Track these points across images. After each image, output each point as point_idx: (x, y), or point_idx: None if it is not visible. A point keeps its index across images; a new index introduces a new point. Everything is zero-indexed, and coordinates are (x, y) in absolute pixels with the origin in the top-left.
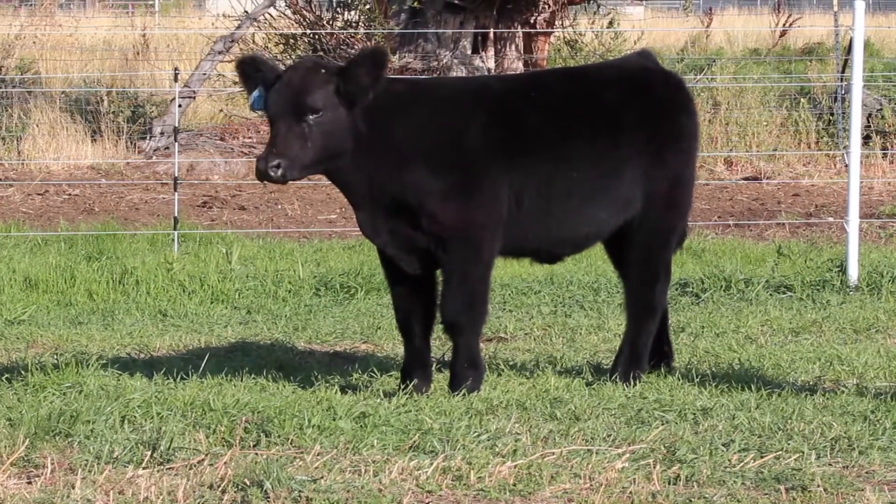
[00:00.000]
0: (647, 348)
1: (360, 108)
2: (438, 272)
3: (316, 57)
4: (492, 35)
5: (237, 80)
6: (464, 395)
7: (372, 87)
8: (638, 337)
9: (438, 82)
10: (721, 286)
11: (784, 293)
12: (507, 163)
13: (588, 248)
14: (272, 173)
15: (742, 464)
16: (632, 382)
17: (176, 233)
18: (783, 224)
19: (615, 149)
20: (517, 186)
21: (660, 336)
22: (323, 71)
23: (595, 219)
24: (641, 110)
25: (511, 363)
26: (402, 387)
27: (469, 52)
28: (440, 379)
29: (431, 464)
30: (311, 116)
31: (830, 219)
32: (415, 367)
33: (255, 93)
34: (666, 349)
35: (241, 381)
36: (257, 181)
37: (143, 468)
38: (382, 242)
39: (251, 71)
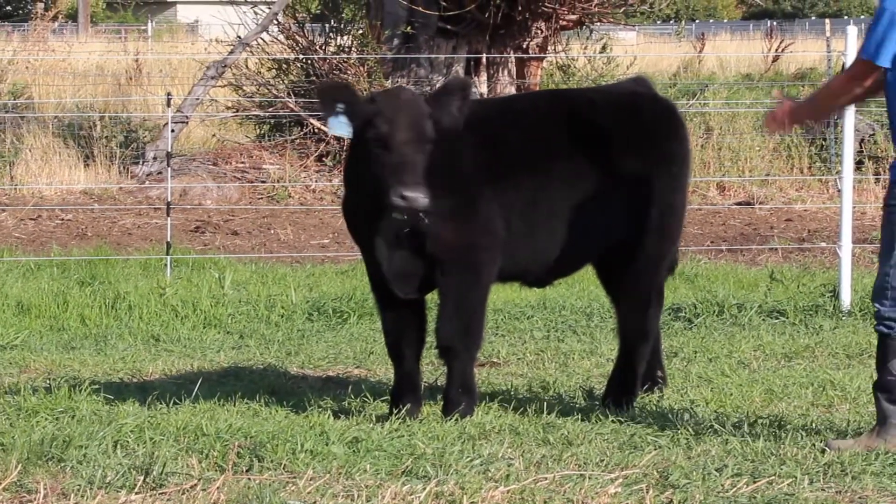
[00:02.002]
0: (639, 375)
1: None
2: (428, 296)
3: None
4: (484, 60)
5: (229, 105)
6: (457, 419)
7: (460, 118)
8: (630, 363)
9: None
10: (714, 311)
11: (777, 318)
12: (496, 185)
13: (575, 273)
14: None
15: (735, 489)
16: (624, 409)
17: (169, 258)
18: (776, 249)
19: (602, 173)
20: (506, 209)
21: (653, 361)
22: (425, 102)
23: (581, 243)
24: (630, 135)
25: (504, 388)
26: (394, 411)
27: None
28: (432, 403)
29: (424, 489)
30: (426, 146)
31: (823, 244)
32: (405, 392)
33: (337, 118)
34: (659, 374)
35: (234, 405)
36: (251, 206)
37: (136, 493)
38: (386, 271)
39: (334, 97)
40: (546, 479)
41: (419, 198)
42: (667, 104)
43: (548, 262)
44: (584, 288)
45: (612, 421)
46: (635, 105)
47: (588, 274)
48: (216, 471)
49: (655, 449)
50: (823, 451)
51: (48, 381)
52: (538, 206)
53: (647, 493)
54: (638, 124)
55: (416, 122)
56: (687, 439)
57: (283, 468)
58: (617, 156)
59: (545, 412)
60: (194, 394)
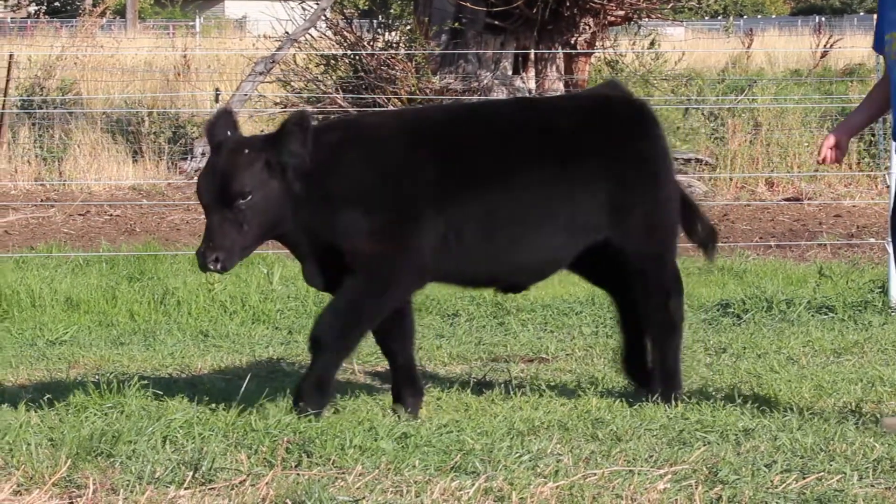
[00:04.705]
0: (678, 364)
1: (292, 170)
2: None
3: (238, 135)
4: (532, 56)
5: (277, 100)
6: (299, 410)
7: (304, 153)
8: (666, 357)
9: (376, 121)
10: (762, 307)
11: (826, 314)
12: (444, 197)
13: (551, 275)
14: (212, 267)
15: (784, 485)
16: (673, 402)
17: None
18: (825, 245)
19: (568, 175)
20: (459, 219)
21: (409, 380)
22: (247, 150)
23: (550, 245)
24: (599, 137)
25: (552, 384)
26: (394, 408)
27: (509, 72)
28: (482, 401)
29: (473, 484)
30: (241, 201)
31: (872, 240)
32: (404, 386)
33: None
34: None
35: (283, 401)
36: None
37: (185, 489)
38: (323, 290)
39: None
40: (595, 475)
41: (217, 264)
42: (638, 105)
43: (516, 268)
44: None
45: (661, 417)
46: (604, 107)
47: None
48: (265, 466)
49: (704, 445)
50: (873, 448)
51: (97, 377)
52: (498, 211)
53: (696, 489)
54: (606, 126)
55: (218, 182)
56: (736, 435)
57: (332, 464)
58: (584, 157)
59: (594, 408)
60: (243, 389)
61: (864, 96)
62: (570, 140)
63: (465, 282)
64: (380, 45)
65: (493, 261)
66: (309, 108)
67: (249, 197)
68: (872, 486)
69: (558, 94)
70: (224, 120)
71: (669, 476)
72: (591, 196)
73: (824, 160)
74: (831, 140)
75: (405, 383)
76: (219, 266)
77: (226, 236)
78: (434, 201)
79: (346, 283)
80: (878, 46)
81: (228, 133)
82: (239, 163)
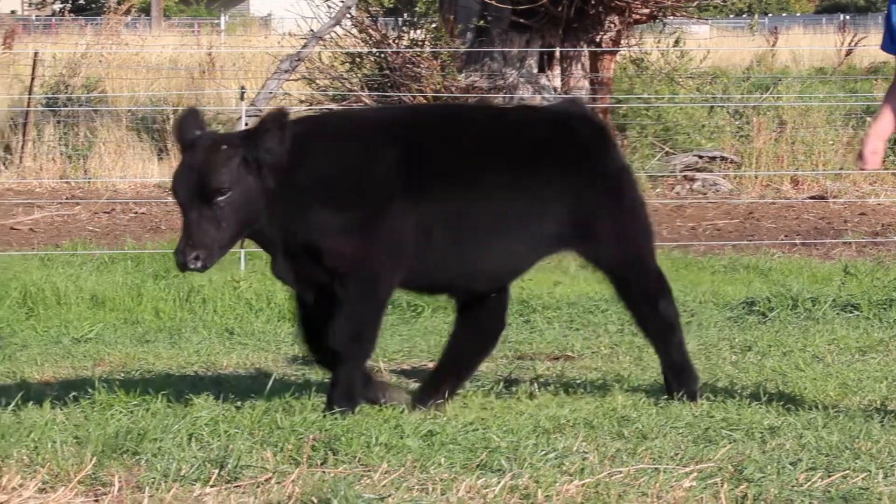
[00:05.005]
0: (687, 359)
1: (266, 166)
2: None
3: (213, 132)
4: (557, 54)
5: (303, 98)
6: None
7: (281, 150)
8: (671, 357)
9: (346, 117)
10: (788, 305)
11: (851, 312)
12: (414, 197)
13: (509, 283)
14: (192, 265)
15: (810, 483)
16: (697, 398)
17: (242, 251)
18: (850, 243)
19: (528, 186)
20: (426, 221)
21: (454, 380)
22: (224, 146)
23: (509, 254)
24: (560, 151)
25: (578, 382)
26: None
27: (535, 70)
28: (507, 398)
29: (499, 482)
30: (219, 198)
31: None
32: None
33: None
34: (447, 394)
35: (309, 399)
36: None
37: (211, 486)
38: (292, 283)
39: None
40: (620, 472)
41: (197, 262)
42: (597, 123)
43: (474, 275)
44: None
45: (687, 415)
46: (565, 122)
47: (664, 268)
48: (291, 464)
49: (730, 443)
50: None
51: (122, 374)
52: (460, 218)
53: (722, 487)
54: (567, 140)
55: (195, 179)
56: (761, 433)
57: (358, 461)
58: (545, 171)
59: (620, 406)
60: (269, 387)
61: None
62: (531, 152)
63: (421, 288)
64: (405, 42)
65: (452, 267)
66: (333, 107)
67: (228, 194)
68: None
69: (524, 104)
70: (192, 119)
71: (695, 474)
72: (550, 208)
73: (866, 165)
74: (875, 146)
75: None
76: (199, 264)
77: (205, 234)
78: (407, 197)
79: (340, 292)
80: (889, 47)
81: (197, 132)
82: (217, 160)
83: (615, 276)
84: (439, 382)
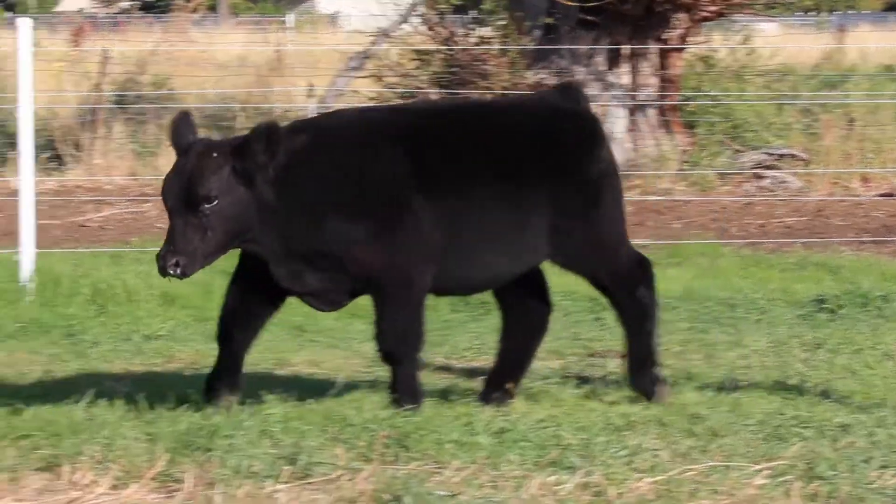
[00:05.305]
0: (650, 354)
1: (263, 178)
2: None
3: (206, 138)
4: (625, 51)
5: (371, 96)
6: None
7: (269, 163)
8: (638, 346)
9: (339, 125)
10: (858, 302)
11: None
12: (423, 195)
13: (503, 282)
14: (171, 272)
15: (882, 480)
16: (650, 390)
17: None
18: None
19: (516, 190)
20: (434, 221)
21: (514, 371)
22: (215, 154)
23: (498, 257)
24: (547, 152)
25: None
26: (206, 398)
27: (603, 68)
28: (578, 396)
29: (570, 479)
30: (206, 206)
31: None
32: (223, 376)
33: None
34: (510, 386)
35: (380, 395)
36: None
37: (283, 483)
38: (302, 287)
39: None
40: (692, 470)
41: (177, 268)
42: (588, 119)
43: (461, 281)
44: (727, 279)
45: (758, 412)
46: (554, 120)
47: (733, 265)
48: (362, 461)
49: (801, 441)
50: None
51: (193, 371)
52: (452, 224)
53: (793, 484)
54: (555, 140)
55: (183, 185)
56: (833, 431)
57: (430, 458)
58: (532, 172)
59: (690, 403)
60: (340, 384)
61: None
62: (521, 155)
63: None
64: (473, 40)
65: (443, 271)
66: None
67: (215, 202)
68: None
69: (513, 98)
70: (186, 123)
71: (767, 472)
72: (539, 210)
73: None
74: None
75: (224, 376)
76: (178, 271)
77: (188, 241)
78: (414, 196)
79: (377, 299)
80: None
81: (191, 136)
82: (206, 167)
83: (587, 276)
84: (501, 378)
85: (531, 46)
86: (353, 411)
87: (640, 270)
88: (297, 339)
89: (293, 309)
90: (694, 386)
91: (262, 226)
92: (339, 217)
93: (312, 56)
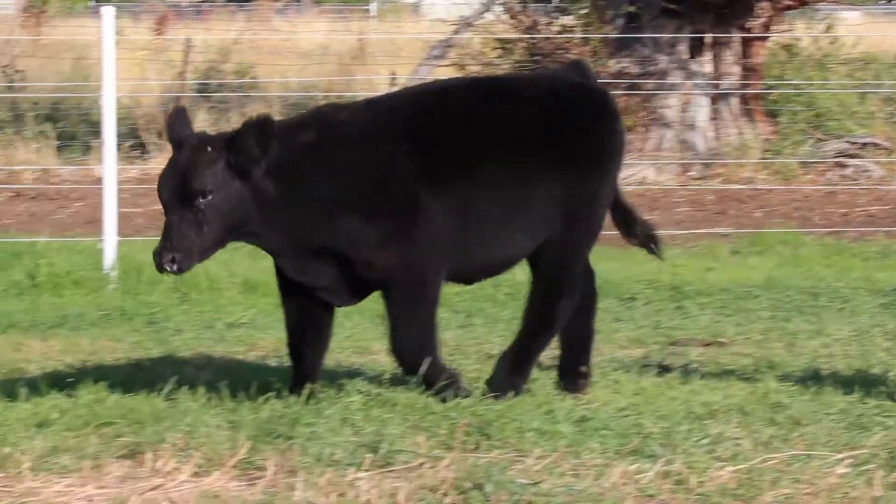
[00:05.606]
0: (534, 360)
1: (262, 172)
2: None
3: (201, 133)
4: (708, 40)
5: None
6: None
7: (262, 156)
8: (528, 345)
9: (346, 119)
10: None
11: None
12: (432, 188)
13: (505, 272)
14: (168, 268)
15: None
16: (506, 393)
17: None
18: None
19: (531, 168)
20: (448, 210)
21: (581, 355)
22: (209, 148)
23: (511, 240)
24: (561, 128)
25: (730, 368)
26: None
27: (685, 56)
28: (660, 384)
29: (652, 468)
30: (201, 201)
31: None
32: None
33: None
34: (583, 370)
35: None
36: None
37: (364, 471)
38: (312, 281)
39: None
40: (774, 459)
41: (173, 265)
42: (601, 95)
43: (479, 266)
44: (810, 268)
45: (840, 401)
46: (567, 97)
47: (815, 254)
48: (444, 449)
49: (884, 430)
50: None
51: (275, 359)
52: (462, 206)
53: (875, 473)
54: (568, 117)
55: (178, 180)
56: None
57: (511, 447)
58: (546, 150)
59: (772, 392)
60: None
61: None
62: (534, 132)
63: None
64: (555, 28)
65: (462, 258)
66: None
67: (210, 196)
68: None
69: (523, 75)
70: (181, 118)
71: (849, 461)
72: (550, 188)
73: None
74: None
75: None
76: (175, 267)
77: (184, 237)
78: (423, 191)
79: (390, 299)
80: None
81: (187, 130)
82: (201, 161)
83: (546, 260)
84: (571, 363)
85: (613, 35)
86: (434, 399)
87: (571, 291)
88: (378, 326)
89: (376, 297)
90: (775, 374)
91: (262, 220)
92: (345, 212)
93: (395, 45)
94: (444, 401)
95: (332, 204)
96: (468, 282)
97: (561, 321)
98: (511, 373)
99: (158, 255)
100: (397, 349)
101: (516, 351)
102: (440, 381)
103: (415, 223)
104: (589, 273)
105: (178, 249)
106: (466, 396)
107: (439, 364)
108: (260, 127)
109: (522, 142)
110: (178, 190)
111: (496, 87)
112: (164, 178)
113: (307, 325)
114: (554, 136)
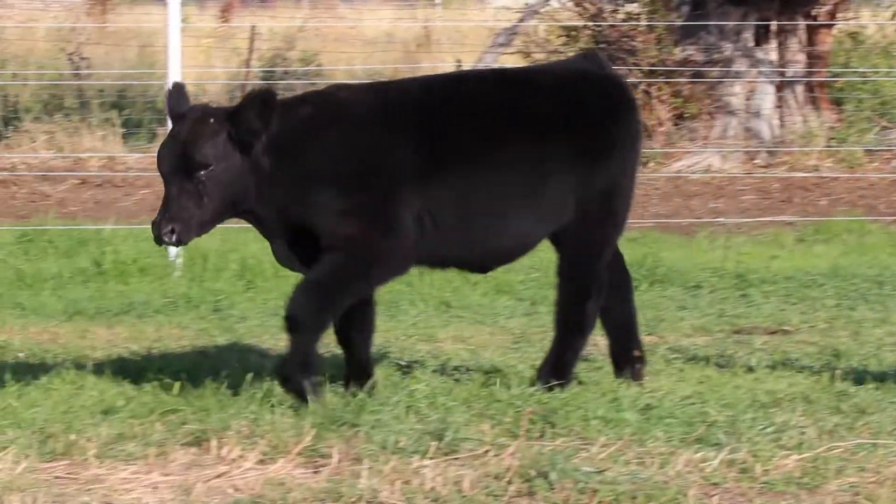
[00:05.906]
0: (572, 364)
1: (262, 146)
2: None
3: (203, 104)
4: (773, 27)
5: None
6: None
7: (264, 130)
8: (564, 353)
9: (350, 98)
10: None
11: None
12: (421, 178)
13: (518, 258)
14: (167, 239)
15: None
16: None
17: None
18: None
19: (544, 157)
20: (435, 200)
21: (629, 340)
22: (211, 120)
23: (521, 230)
24: (576, 117)
25: (795, 356)
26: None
27: (751, 44)
28: (724, 372)
29: (717, 456)
30: (202, 172)
31: None
32: (355, 378)
33: None
34: (637, 353)
35: (526, 372)
36: None
37: (429, 458)
38: (298, 270)
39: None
40: (839, 447)
41: (172, 235)
42: (618, 84)
43: (486, 251)
44: (875, 256)
45: None
46: (582, 85)
47: (881, 242)
48: (509, 437)
49: None
50: None
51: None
52: (472, 194)
53: None
54: (583, 105)
55: (179, 152)
56: None
57: (576, 435)
58: (559, 139)
59: (837, 380)
60: (486, 360)
61: None
62: (547, 120)
63: (434, 264)
64: (620, 16)
65: (465, 244)
66: None
67: (210, 168)
68: None
69: (537, 66)
70: (179, 93)
71: None
72: (563, 177)
73: None
74: None
75: (358, 375)
76: (174, 238)
77: (183, 208)
78: (410, 182)
79: (324, 259)
80: None
81: (186, 105)
82: (202, 133)
83: (569, 255)
84: (622, 351)
85: (679, 23)
86: (500, 387)
87: (598, 288)
88: (443, 314)
89: (441, 285)
90: (840, 363)
91: (259, 197)
92: (326, 186)
93: (460, 32)
94: (283, 386)
95: (318, 179)
96: (483, 270)
97: (591, 322)
98: (552, 376)
99: (157, 227)
100: (293, 298)
101: (553, 362)
102: (293, 363)
103: (386, 210)
104: (617, 256)
105: (177, 220)
106: (302, 399)
107: (312, 347)
108: (263, 100)
109: (534, 131)
110: (179, 161)
111: (510, 77)
112: (165, 149)
113: (351, 309)
114: (568, 126)
